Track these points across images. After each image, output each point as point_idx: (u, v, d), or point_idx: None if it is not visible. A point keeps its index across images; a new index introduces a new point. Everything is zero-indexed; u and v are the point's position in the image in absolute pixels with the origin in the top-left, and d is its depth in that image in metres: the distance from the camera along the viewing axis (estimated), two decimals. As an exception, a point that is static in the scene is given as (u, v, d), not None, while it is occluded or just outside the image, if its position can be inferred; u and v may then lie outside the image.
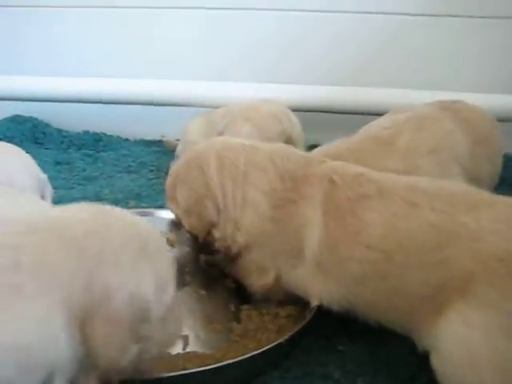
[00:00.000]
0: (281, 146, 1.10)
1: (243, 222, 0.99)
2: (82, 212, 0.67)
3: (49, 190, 1.20)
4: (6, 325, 0.53)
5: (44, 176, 1.19)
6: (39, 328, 0.54)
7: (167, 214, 1.18)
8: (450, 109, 1.32)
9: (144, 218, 1.08)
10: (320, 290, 0.93)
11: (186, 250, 1.02)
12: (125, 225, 0.67)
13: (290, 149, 1.09)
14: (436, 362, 0.78)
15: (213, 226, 1.01)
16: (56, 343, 0.55)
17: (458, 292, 0.77)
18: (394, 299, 0.86)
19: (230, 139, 1.13)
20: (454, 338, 0.76)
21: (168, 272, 0.68)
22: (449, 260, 0.80)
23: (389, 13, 2.06)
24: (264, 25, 2.16)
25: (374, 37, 2.09)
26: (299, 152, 1.09)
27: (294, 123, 1.69)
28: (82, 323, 0.57)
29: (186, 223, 1.05)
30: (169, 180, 1.10)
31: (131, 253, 0.63)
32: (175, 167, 1.09)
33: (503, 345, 0.73)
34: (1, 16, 2.28)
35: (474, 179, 1.19)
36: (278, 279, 0.99)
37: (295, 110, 1.78)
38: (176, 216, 1.09)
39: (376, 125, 1.30)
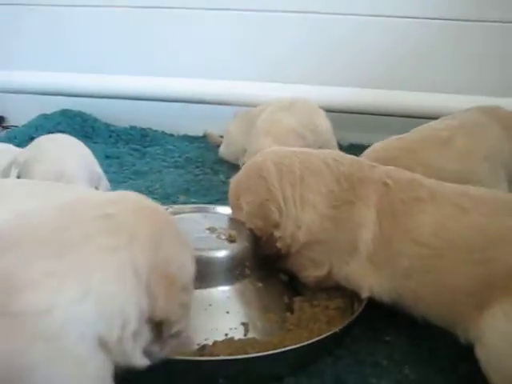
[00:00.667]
0: (330, 150, 1.19)
1: (303, 221, 1.08)
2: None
3: (104, 184, 1.29)
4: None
5: (99, 170, 1.28)
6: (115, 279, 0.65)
7: (225, 210, 1.27)
8: (493, 115, 1.38)
9: (203, 214, 1.21)
10: (371, 283, 1.02)
11: (246, 245, 1.10)
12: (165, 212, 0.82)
13: (340, 152, 1.18)
14: (480, 353, 0.86)
15: (276, 226, 1.10)
16: (128, 292, 0.66)
17: (501, 289, 0.86)
18: (441, 293, 0.95)
19: (281, 148, 1.24)
20: (498, 331, 0.84)
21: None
22: (494, 259, 0.89)
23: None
24: (300, 28, 2.23)
25: (405, 41, 2.15)
26: (348, 155, 1.17)
27: (321, 131, 1.73)
28: (148, 279, 0.67)
29: (251, 225, 1.13)
30: (231, 191, 1.19)
31: (182, 240, 0.76)
32: (235, 179, 1.19)
33: None
34: (49, 14, 2.38)
35: None
36: (330, 272, 1.08)
37: (329, 110, 1.86)
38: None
39: (429, 127, 1.38)
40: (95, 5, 2.33)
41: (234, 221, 1.17)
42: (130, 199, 0.77)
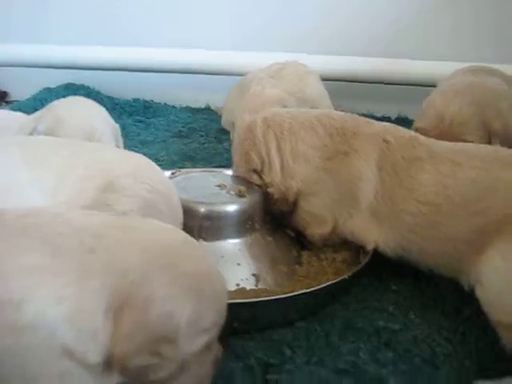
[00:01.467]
0: (325, 109, 1.24)
1: (297, 171, 1.14)
2: (169, 231, 0.74)
3: (120, 139, 1.33)
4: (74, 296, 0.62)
5: (117, 125, 1.31)
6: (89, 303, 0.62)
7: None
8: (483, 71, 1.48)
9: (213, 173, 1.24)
10: (376, 237, 1.07)
11: (255, 200, 1.13)
12: (200, 266, 0.71)
13: (334, 111, 1.26)
14: (480, 293, 0.91)
15: (258, 172, 1.18)
16: (95, 318, 0.62)
17: (495, 234, 0.92)
18: (443, 245, 1.00)
19: (277, 109, 1.30)
20: (495, 271, 0.90)
21: (210, 324, 0.69)
22: (487, 208, 0.95)
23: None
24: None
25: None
26: (343, 113, 1.21)
27: (310, 96, 1.71)
28: (118, 313, 0.62)
29: (238, 172, 1.22)
30: (233, 149, 1.28)
31: (186, 286, 0.67)
32: (235, 139, 1.28)
33: None
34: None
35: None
36: (335, 228, 1.12)
37: (325, 78, 1.87)
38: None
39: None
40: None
41: (242, 178, 1.20)
42: (141, 226, 0.71)
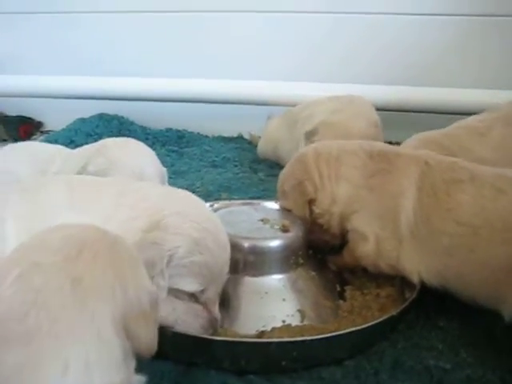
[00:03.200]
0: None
1: (338, 194, 1.14)
2: (92, 231, 0.74)
3: (166, 181, 1.34)
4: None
5: (164, 169, 1.33)
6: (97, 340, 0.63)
7: (270, 205, 1.30)
8: None
9: (253, 207, 1.24)
10: (418, 265, 1.05)
11: (299, 235, 1.13)
12: (123, 242, 0.75)
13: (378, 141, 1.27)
14: None
15: (312, 201, 1.17)
16: (112, 350, 0.64)
17: None
18: (481, 271, 0.98)
19: (324, 142, 1.31)
20: None
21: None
22: None
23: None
24: (328, 27, 2.27)
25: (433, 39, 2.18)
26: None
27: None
28: (126, 324, 0.65)
29: (293, 207, 1.21)
30: (279, 181, 1.27)
31: (134, 261, 0.72)
32: (283, 170, 1.27)
33: None
34: (87, 19, 2.44)
35: None
36: (378, 246, 1.10)
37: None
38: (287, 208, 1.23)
39: (471, 119, 1.44)
40: (130, 11, 2.39)
41: (285, 212, 1.20)
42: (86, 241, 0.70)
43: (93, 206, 0.93)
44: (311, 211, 1.18)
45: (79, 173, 1.21)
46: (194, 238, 0.89)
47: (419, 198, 1.06)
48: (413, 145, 1.38)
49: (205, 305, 0.92)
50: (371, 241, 1.10)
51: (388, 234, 1.08)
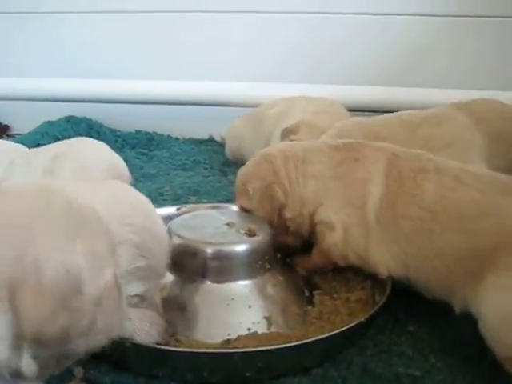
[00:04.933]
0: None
1: (306, 195, 1.12)
2: (27, 190, 0.69)
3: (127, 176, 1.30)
4: None
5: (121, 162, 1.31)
6: None
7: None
8: (465, 109, 1.47)
9: (220, 210, 1.21)
10: (384, 252, 1.05)
11: (266, 239, 1.10)
12: (65, 204, 0.69)
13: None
14: (481, 329, 0.88)
15: (282, 207, 1.14)
16: None
17: (488, 262, 0.89)
18: (435, 259, 0.98)
19: (288, 142, 1.31)
20: (490, 305, 0.87)
21: (106, 256, 0.69)
22: (480, 231, 0.94)
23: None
24: (303, 27, 2.25)
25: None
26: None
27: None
28: (12, 294, 0.60)
29: (258, 210, 1.17)
30: (239, 178, 1.22)
31: (65, 230, 0.65)
32: (243, 167, 1.23)
33: None
34: (50, 20, 2.39)
35: None
36: (346, 234, 1.08)
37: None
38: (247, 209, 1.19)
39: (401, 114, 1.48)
40: (97, 11, 2.35)
41: (252, 216, 1.16)
42: None
43: None
44: (280, 216, 1.15)
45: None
46: (134, 243, 0.83)
47: (386, 184, 1.06)
48: (348, 126, 1.43)
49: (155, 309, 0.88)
50: (338, 229, 1.08)
51: (355, 220, 1.07)
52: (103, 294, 0.67)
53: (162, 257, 0.89)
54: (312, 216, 1.13)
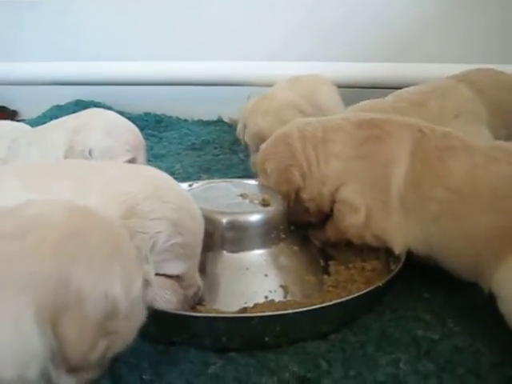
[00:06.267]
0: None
1: (328, 174, 1.10)
2: (58, 212, 0.67)
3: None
4: None
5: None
6: (12, 327, 0.58)
7: (253, 182, 1.26)
8: (464, 80, 1.47)
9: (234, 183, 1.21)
10: (404, 232, 1.03)
11: (280, 209, 1.09)
12: (100, 227, 0.69)
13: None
14: (501, 307, 0.86)
15: (299, 190, 1.13)
16: (28, 341, 0.59)
17: None
18: (463, 240, 0.95)
19: (306, 119, 1.25)
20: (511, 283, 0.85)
21: (135, 269, 0.70)
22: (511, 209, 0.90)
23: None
24: (305, 5, 2.24)
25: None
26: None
27: (323, 104, 1.70)
28: (54, 322, 0.60)
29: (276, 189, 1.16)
30: (259, 157, 1.22)
31: (104, 255, 0.65)
32: (263, 146, 1.22)
33: None
34: (57, 3, 2.38)
35: None
36: (369, 221, 1.07)
37: (340, 86, 1.86)
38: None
39: (405, 91, 1.48)
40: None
41: (265, 187, 1.16)
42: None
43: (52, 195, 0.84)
44: (297, 197, 1.14)
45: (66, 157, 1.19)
46: (172, 220, 0.85)
47: (412, 164, 1.03)
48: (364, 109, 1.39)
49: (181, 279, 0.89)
50: (362, 212, 1.07)
51: (379, 203, 1.05)
52: (133, 304, 0.68)
53: (198, 235, 0.90)
54: (333, 193, 1.12)
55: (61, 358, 0.62)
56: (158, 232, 0.83)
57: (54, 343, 0.60)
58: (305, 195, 1.13)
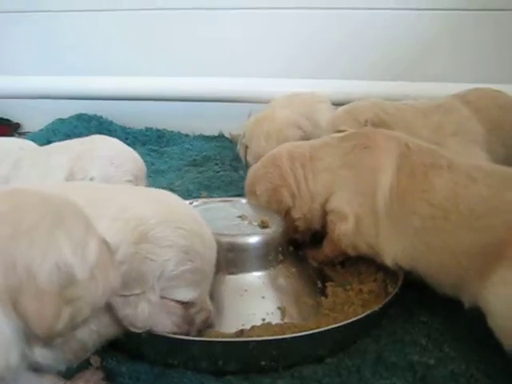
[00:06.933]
0: None
1: (317, 190, 1.13)
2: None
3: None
4: None
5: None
6: None
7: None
8: (462, 100, 1.50)
9: (232, 203, 1.21)
10: (393, 244, 1.04)
11: (279, 231, 1.10)
12: (37, 202, 0.70)
13: None
14: (490, 323, 0.88)
15: (289, 209, 1.16)
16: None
17: (496, 256, 0.90)
18: (445, 255, 0.98)
19: (295, 142, 1.30)
20: (498, 298, 0.87)
21: (86, 232, 0.70)
22: (490, 227, 0.94)
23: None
24: (311, 23, 2.26)
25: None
26: None
27: (321, 121, 1.69)
28: (13, 302, 0.61)
29: None
30: (248, 179, 1.26)
31: (44, 229, 0.66)
32: (252, 169, 1.26)
33: None
34: (59, 18, 2.40)
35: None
36: (357, 224, 1.09)
37: (342, 103, 1.87)
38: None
39: (415, 101, 1.53)
40: (105, 9, 2.36)
41: (264, 208, 1.17)
42: None
43: None
44: (287, 217, 1.16)
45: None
46: (183, 246, 0.85)
47: (398, 176, 1.06)
48: (362, 105, 1.45)
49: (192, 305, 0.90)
50: (350, 220, 1.09)
51: (367, 210, 1.07)
52: (94, 267, 0.69)
53: (209, 260, 0.90)
54: (323, 206, 1.13)
55: (32, 335, 0.63)
56: (167, 260, 0.83)
57: (19, 322, 0.62)
58: (295, 214, 1.16)
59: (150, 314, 0.82)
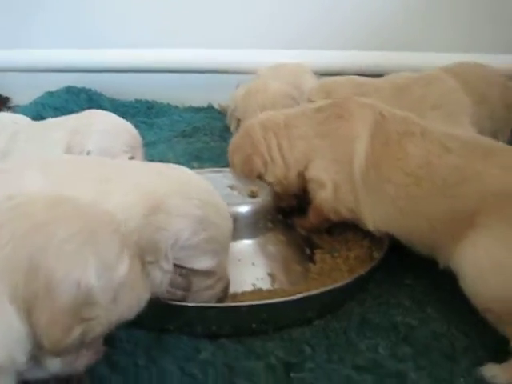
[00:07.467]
0: None
1: (295, 157, 1.17)
2: (34, 203, 0.69)
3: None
4: None
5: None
6: None
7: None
8: (450, 72, 1.51)
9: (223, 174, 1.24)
10: (370, 209, 1.08)
11: (267, 200, 1.14)
12: (76, 216, 0.70)
13: None
14: (462, 285, 0.92)
15: (261, 175, 1.21)
16: (10, 323, 0.62)
17: (468, 223, 0.93)
18: (419, 220, 1.01)
19: (270, 112, 1.31)
20: (468, 261, 0.91)
21: (118, 255, 0.70)
22: (462, 196, 0.97)
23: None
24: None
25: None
26: None
27: (307, 89, 1.71)
28: (28, 310, 0.62)
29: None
30: (229, 151, 1.30)
31: (76, 245, 0.66)
32: (232, 139, 1.31)
33: (502, 255, 0.88)
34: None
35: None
36: (336, 190, 1.12)
37: (326, 74, 1.90)
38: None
39: (396, 75, 1.54)
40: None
41: (253, 178, 1.20)
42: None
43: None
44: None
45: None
46: (197, 216, 0.87)
47: (372, 144, 1.08)
48: (338, 82, 1.49)
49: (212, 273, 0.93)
50: (329, 186, 1.12)
51: (344, 176, 1.10)
52: (119, 289, 0.69)
53: (225, 229, 0.92)
54: (302, 173, 1.17)
55: (39, 343, 0.64)
56: (180, 229, 0.85)
57: (30, 328, 0.63)
58: (268, 179, 1.20)
59: (162, 281, 0.85)
